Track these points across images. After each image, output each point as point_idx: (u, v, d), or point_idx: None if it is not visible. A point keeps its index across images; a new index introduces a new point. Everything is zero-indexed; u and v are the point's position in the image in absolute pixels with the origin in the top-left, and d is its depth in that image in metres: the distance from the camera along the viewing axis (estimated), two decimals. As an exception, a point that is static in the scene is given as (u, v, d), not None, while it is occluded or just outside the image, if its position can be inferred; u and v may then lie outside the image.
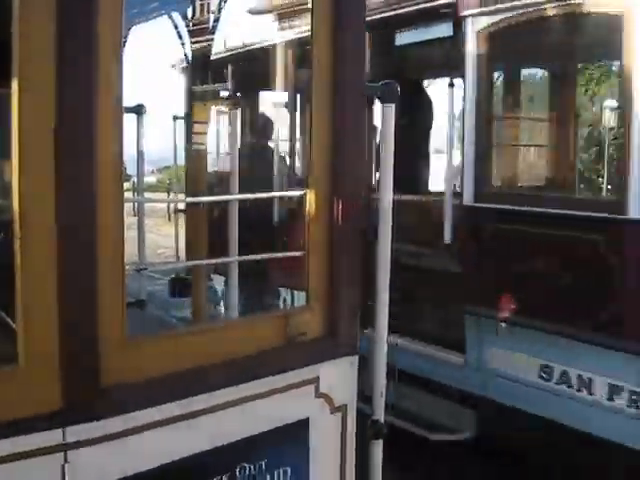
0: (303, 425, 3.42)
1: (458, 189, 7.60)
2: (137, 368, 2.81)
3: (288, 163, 9.55)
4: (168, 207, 11.37)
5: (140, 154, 6.23)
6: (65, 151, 2.49)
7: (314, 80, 3.37)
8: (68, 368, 2.57)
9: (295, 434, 3.40)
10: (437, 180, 10.17)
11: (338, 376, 3.52)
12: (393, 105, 3.64)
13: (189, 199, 6.79)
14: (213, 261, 6.12)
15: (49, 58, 2.44)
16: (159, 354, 2.92)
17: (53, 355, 2.54)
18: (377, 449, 3.77)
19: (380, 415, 3.80)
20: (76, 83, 2.51)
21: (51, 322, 2.53)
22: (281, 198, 8.74)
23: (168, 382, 2.89)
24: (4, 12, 2.40)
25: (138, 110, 6.10)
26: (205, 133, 6.06)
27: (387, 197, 3.62)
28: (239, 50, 10.16)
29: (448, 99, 7.61)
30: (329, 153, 3.41)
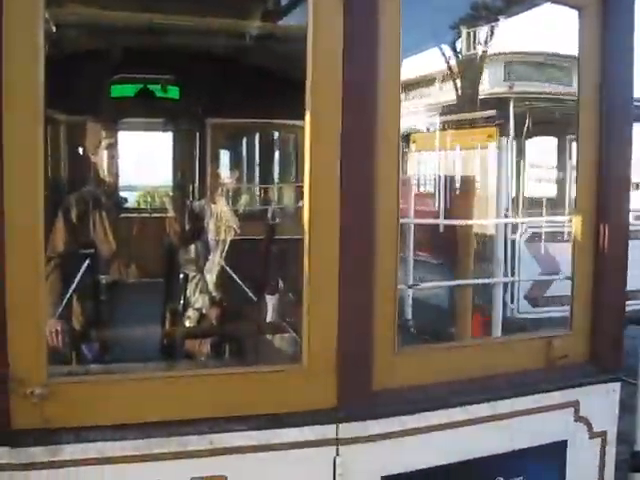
0: (561, 447, 3.45)
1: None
2: (404, 376, 3.06)
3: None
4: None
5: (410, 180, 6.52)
6: (348, 174, 2.81)
7: (581, 107, 3.45)
8: (344, 371, 2.87)
9: (552, 455, 3.45)
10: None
11: (599, 401, 3.51)
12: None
13: (462, 220, 6.95)
14: (481, 281, 6.25)
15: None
16: (424, 366, 3.16)
17: (331, 358, 2.86)
18: (636, 482, 3.70)
19: (643, 446, 3.73)
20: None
21: (331, 329, 2.86)
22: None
23: (431, 392, 3.11)
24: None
25: (407, 139, 6.41)
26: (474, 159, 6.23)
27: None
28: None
29: None
30: (595, 183, 3.46)
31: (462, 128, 8.12)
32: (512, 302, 9.99)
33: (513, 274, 9.63)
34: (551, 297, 9.89)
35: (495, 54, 10.90)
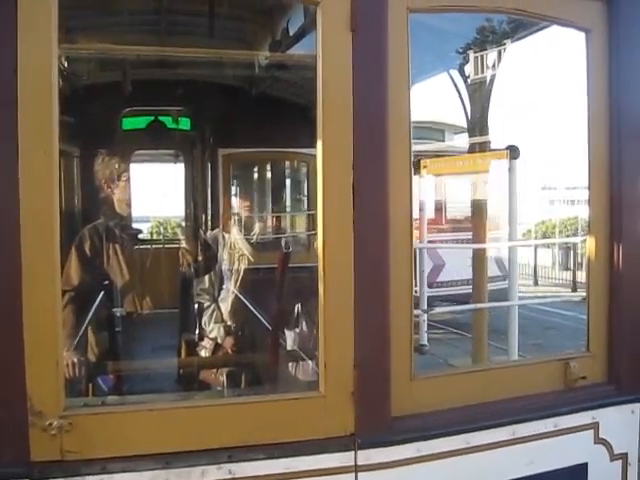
0: (582, 470, 3.42)
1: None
2: (422, 402, 3.05)
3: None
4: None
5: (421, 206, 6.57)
6: (361, 202, 2.83)
7: (591, 129, 3.45)
8: (362, 397, 2.87)
9: (573, 479, 3.41)
10: None
11: (619, 423, 3.48)
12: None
13: (475, 245, 7.00)
14: (498, 304, 6.24)
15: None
16: (442, 391, 3.14)
17: (349, 385, 2.86)
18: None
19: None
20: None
21: (348, 357, 2.85)
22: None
23: (449, 417, 3.09)
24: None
25: (417, 164, 6.48)
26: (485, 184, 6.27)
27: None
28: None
29: None
30: (608, 204, 3.45)
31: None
32: (416, 285, 13.16)
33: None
34: (440, 281, 14.86)
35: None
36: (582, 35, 3.45)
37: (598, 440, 3.44)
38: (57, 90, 2.58)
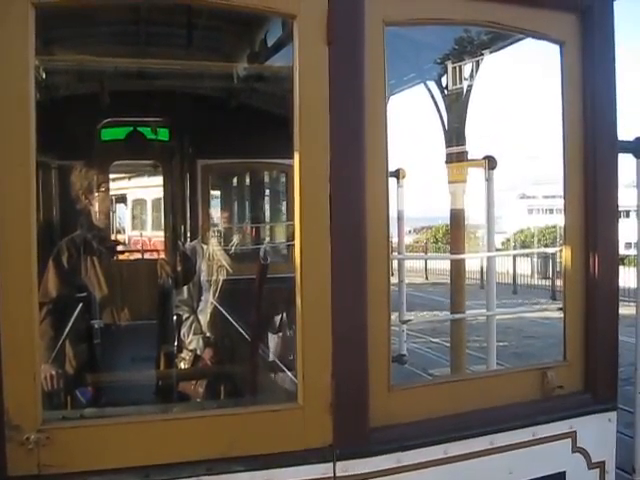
0: (560, 479, 3.44)
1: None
2: (400, 413, 3.05)
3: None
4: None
5: (400, 215, 6.60)
6: (338, 214, 2.84)
7: (566, 139, 3.48)
8: (340, 408, 2.87)
9: (552, 488, 3.43)
10: None
11: (596, 431, 3.51)
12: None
13: (453, 256, 7.03)
14: (473, 313, 6.26)
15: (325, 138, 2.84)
16: (420, 401, 3.15)
17: (327, 396, 2.86)
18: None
19: (644, 475, 3.71)
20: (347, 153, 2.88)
21: (326, 368, 2.86)
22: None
23: (427, 427, 3.09)
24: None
25: (397, 174, 6.50)
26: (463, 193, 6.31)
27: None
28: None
29: None
30: (583, 215, 3.48)
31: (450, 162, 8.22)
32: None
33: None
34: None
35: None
36: (557, 48, 3.51)
37: (576, 449, 3.46)
38: (34, 101, 2.57)
